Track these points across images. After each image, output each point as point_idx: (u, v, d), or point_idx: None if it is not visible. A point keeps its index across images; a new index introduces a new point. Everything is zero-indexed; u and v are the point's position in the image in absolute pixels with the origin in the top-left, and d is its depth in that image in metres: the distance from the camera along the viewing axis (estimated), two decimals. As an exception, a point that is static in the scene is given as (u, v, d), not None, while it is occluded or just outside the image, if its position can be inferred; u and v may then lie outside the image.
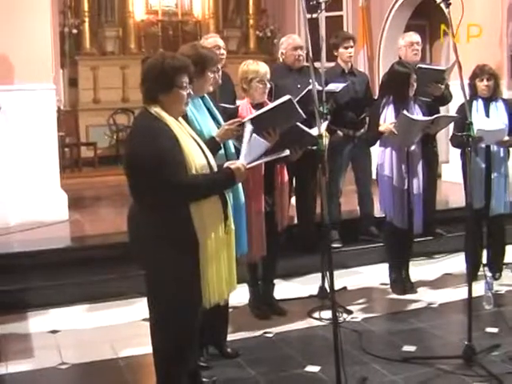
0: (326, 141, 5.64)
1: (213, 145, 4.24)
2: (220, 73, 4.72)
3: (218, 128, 4.47)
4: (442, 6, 4.89)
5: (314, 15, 5.61)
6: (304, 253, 6.69)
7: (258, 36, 14.34)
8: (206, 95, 4.56)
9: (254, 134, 3.95)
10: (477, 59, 7.60)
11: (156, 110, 3.57)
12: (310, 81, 4.46)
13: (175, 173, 3.45)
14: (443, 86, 6.81)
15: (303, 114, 4.80)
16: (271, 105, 4.76)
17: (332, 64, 7.32)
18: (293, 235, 6.34)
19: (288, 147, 4.49)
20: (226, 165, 3.73)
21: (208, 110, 4.54)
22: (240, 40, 14.37)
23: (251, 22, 14.36)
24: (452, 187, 8.89)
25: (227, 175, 3.68)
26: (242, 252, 4.44)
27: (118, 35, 13.67)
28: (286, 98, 4.68)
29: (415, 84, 6.03)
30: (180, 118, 3.71)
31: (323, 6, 5.70)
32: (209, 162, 3.68)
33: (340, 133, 6.97)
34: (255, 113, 4.71)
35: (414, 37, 7.36)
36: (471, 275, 4.67)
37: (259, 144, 3.90)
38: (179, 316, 3.62)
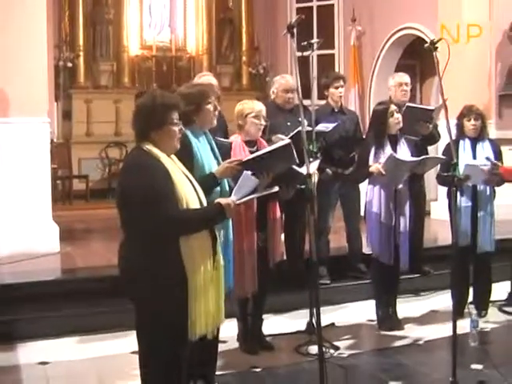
0: (315, 178, 5.74)
1: (211, 181, 4.36)
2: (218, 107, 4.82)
3: (218, 164, 4.56)
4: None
5: (307, 53, 5.73)
6: (292, 288, 6.73)
7: (250, 73, 14.49)
8: (208, 132, 4.68)
9: (245, 171, 4.04)
10: (465, 99, 7.75)
11: (148, 147, 3.65)
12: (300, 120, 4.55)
13: (166, 207, 3.52)
14: (431, 126, 6.91)
15: (297, 159, 4.88)
16: (272, 147, 4.82)
17: (323, 102, 7.43)
18: (282, 271, 6.39)
19: (279, 185, 4.58)
20: (216, 200, 3.81)
21: (210, 146, 4.65)
22: (233, 76, 14.52)
23: (244, 58, 14.52)
24: (440, 225, 8.95)
25: (218, 210, 3.75)
26: (228, 288, 4.50)
27: (112, 69, 13.80)
28: (287, 141, 4.78)
29: (400, 122, 6.15)
30: (173, 156, 3.79)
31: (315, 46, 5.82)
32: (199, 198, 3.76)
33: (329, 171, 7.01)
34: (256, 153, 4.78)
35: (404, 77, 7.48)
36: (456, 313, 4.71)
37: (250, 181, 3.99)
38: (167, 349, 3.65)
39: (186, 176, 3.79)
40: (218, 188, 4.51)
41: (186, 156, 4.12)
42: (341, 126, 6.94)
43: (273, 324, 6.26)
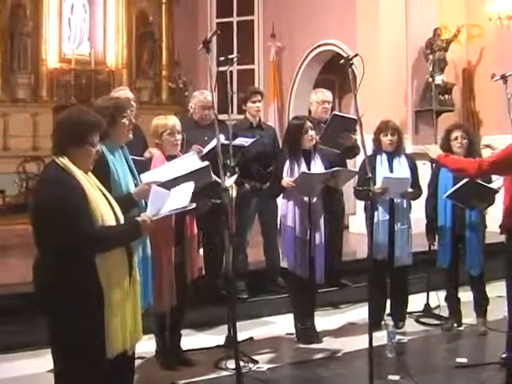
0: (233, 193, 5.75)
1: (129, 201, 4.31)
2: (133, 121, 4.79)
3: (134, 181, 4.52)
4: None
5: (224, 68, 5.75)
6: (212, 303, 6.72)
7: (170, 87, 14.44)
8: (124, 146, 4.63)
9: (154, 186, 4.04)
10: (382, 114, 7.90)
11: (64, 161, 3.61)
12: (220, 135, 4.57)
13: (80, 224, 3.48)
14: (355, 137, 6.99)
15: (213, 177, 4.88)
16: (191, 168, 4.82)
17: (242, 117, 7.46)
18: (200, 286, 6.37)
19: (196, 199, 4.57)
20: (133, 218, 3.79)
21: (126, 161, 4.61)
22: (152, 91, 14.44)
23: (164, 73, 14.45)
24: (359, 238, 9.08)
25: (133, 227, 3.74)
26: (148, 303, 4.48)
27: (30, 82, 13.54)
28: (205, 164, 4.79)
29: (314, 139, 6.21)
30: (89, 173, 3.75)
31: (235, 60, 5.84)
32: (116, 215, 3.73)
33: (247, 185, 7.03)
34: (174, 175, 4.75)
35: (327, 95, 7.55)
36: (372, 325, 4.77)
37: (162, 195, 3.98)
38: (83, 366, 3.60)
39: (103, 192, 3.76)
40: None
41: (102, 173, 4.07)
42: (259, 141, 6.94)
43: (192, 339, 6.25)
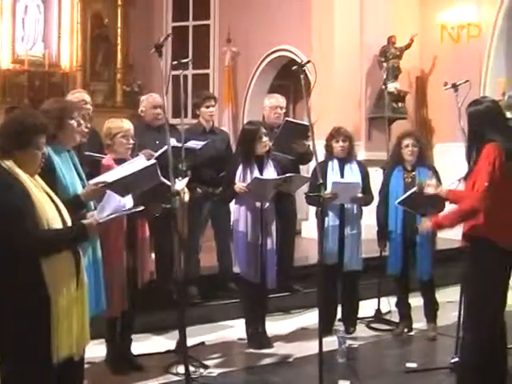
0: (186, 197, 5.74)
1: (77, 203, 4.26)
2: (85, 124, 4.76)
3: (82, 184, 4.49)
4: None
5: (177, 72, 5.73)
6: (163, 308, 6.67)
7: (124, 90, 14.35)
8: (71, 151, 4.57)
9: (108, 190, 4.02)
10: (336, 121, 7.95)
11: (8, 164, 3.56)
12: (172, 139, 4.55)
13: (24, 227, 3.44)
14: (308, 143, 7.00)
15: (161, 178, 4.87)
16: (137, 167, 4.79)
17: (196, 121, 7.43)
18: (152, 290, 6.34)
19: (146, 202, 4.56)
20: (79, 220, 3.75)
21: (74, 165, 4.54)
22: (107, 94, 14.33)
23: (119, 76, 14.34)
24: (311, 243, 9.06)
25: (80, 230, 3.71)
26: (101, 307, 4.44)
27: (-18, 84, 13.37)
28: (152, 162, 4.77)
29: (267, 145, 6.23)
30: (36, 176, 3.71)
31: (190, 65, 5.83)
32: (63, 218, 3.69)
33: (199, 190, 7.00)
34: (121, 174, 4.73)
35: (280, 100, 7.53)
36: (322, 330, 4.79)
37: (112, 199, 3.96)
38: (30, 371, 3.56)
39: (49, 196, 3.71)
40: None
41: (49, 176, 4.02)
42: (211, 146, 6.91)
43: (144, 344, 6.22)
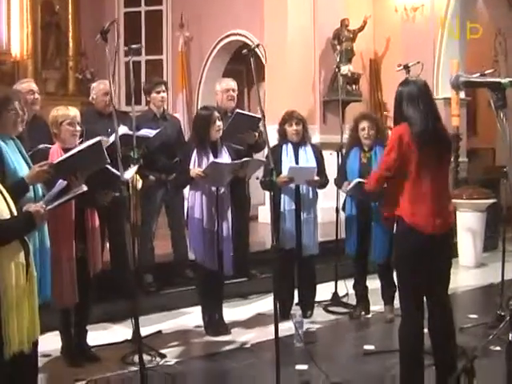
0: (138, 185, 5.67)
1: (22, 186, 4.20)
2: (26, 113, 4.65)
3: (28, 168, 4.41)
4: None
5: (126, 59, 5.65)
6: (118, 297, 6.60)
7: (77, 78, 14.18)
8: (16, 139, 4.50)
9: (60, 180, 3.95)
10: (290, 104, 7.92)
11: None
12: (121, 126, 4.47)
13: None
14: (257, 134, 6.98)
15: (108, 159, 4.79)
16: (82, 146, 4.75)
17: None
18: (107, 280, 6.26)
19: (95, 188, 4.49)
20: (25, 208, 3.67)
21: (20, 152, 4.48)
22: (59, 82, 14.14)
23: (71, 63, 14.17)
24: (267, 228, 9.06)
25: (26, 219, 3.63)
26: (45, 297, 4.37)
27: None
28: (96, 139, 4.69)
29: (221, 130, 6.17)
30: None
31: (142, 51, 5.74)
32: (9, 207, 3.61)
33: (152, 177, 6.91)
34: (65, 155, 4.68)
35: (231, 83, 7.49)
36: (278, 315, 4.74)
37: (59, 185, 3.89)
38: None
39: (-5, 186, 3.63)
40: (32, 194, 4.35)
41: None
42: (163, 132, 6.79)
43: (99, 335, 6.14)
